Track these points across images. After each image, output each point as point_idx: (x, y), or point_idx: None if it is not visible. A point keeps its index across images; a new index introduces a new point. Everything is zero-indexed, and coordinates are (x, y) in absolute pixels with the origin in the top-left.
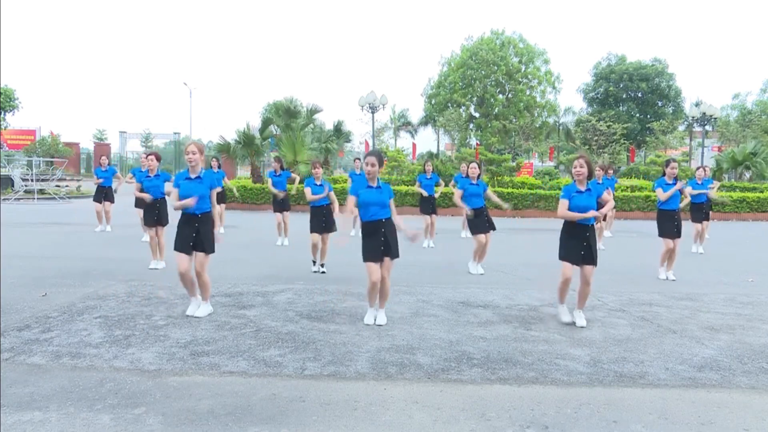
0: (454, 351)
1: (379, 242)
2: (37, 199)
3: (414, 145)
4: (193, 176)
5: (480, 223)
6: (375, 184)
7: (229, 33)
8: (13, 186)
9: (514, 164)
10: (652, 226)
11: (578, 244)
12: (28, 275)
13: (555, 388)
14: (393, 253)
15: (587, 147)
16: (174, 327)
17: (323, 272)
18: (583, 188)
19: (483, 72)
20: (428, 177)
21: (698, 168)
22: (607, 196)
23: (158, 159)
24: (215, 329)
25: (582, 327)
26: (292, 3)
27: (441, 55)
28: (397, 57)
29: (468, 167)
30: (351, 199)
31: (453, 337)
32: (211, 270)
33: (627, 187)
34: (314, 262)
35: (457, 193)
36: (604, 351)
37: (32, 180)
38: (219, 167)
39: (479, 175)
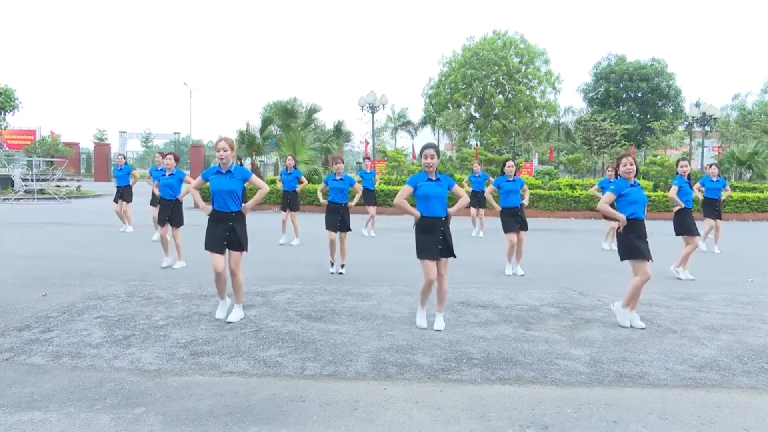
0: (454, 351)
1: (438, 240)
2: (37, 199)
3: (413, 146)
4: (224, 171)
5: (512, 222)
6: (434, 177)
7: (229, 33)
8: (13, 186)
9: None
10: (652, 225)
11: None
12: (28, 275)
13: (555, 388)
14: (451, 251)
15: (588, 147)
16: (174, 327)
17: (341, 273)
18: (632, 182)
19: (483, 72)
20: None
21: (711, 165)
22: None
23: (176, 159)
24: (215, 329)
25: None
26: (292, 3)
27: (442, 55)
28: (397, 57)
29: (504, 165)
30: (407, 189)
31: (453, 337)
32: (210, 270)
33: None
34: (332, 264)
35: (489, 190)
36: (604, 351)
37: (32, 180)
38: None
39: (515, 172)
